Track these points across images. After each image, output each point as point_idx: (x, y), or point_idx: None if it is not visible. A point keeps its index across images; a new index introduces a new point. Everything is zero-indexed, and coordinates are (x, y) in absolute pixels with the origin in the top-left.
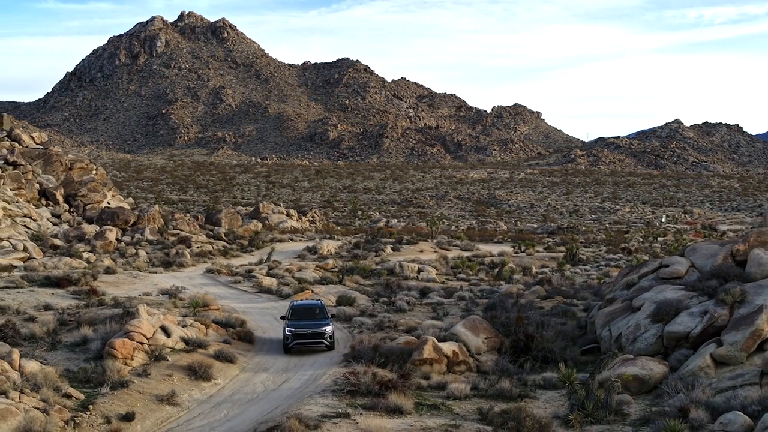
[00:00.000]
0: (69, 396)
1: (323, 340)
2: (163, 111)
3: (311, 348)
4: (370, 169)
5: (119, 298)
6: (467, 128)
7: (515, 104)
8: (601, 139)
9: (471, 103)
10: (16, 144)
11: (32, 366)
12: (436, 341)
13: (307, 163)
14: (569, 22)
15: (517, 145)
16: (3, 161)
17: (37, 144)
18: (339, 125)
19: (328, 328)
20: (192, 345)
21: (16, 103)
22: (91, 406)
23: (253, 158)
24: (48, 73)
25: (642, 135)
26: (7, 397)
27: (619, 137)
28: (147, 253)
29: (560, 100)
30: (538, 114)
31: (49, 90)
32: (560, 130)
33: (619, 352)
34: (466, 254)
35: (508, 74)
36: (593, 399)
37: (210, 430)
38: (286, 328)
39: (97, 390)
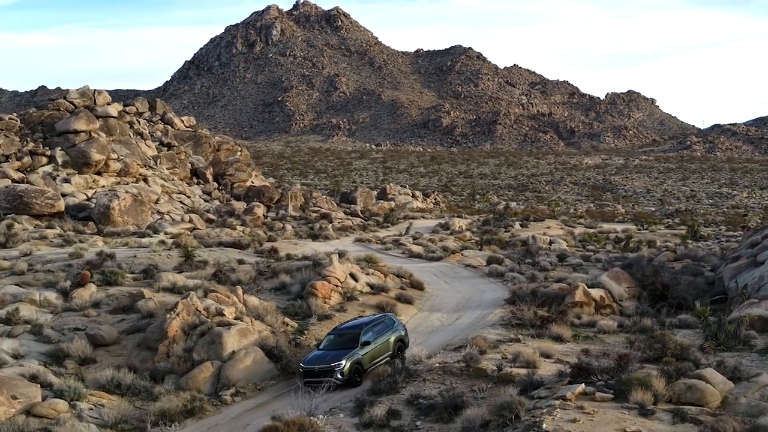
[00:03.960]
0: (286, 324)
1: (331, 378)
2: (279, 98)
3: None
4: (484, 155)
5: (298, 255)
6: (580, 115)
7: (629, 91)
8: (717, 125)
9: (584, 89)
10: (169, 127)
11: (253, 300)
12: (585, 287)
13: (421, 149)
14: (683, 6)
15: (631, 132)
16: (158, 143)
17: (187, 127)
18: (452, 112)
19: (343, 363)
20: (376, 289)
21: (137, 91)
22: (305, 332)
23: (368, 144)
24: (164, 62)
25: (760, 122)
26: (243, 321)
27: (735, 124)
28: (293, 227)
29: (675, 86)
30: (653, 101)
31: (168, 78)
32: (675, 117)
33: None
34: (591, 231)
35: (621, 60)
36: (724, 332)
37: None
38: (301, 363)
39: (306, 321)
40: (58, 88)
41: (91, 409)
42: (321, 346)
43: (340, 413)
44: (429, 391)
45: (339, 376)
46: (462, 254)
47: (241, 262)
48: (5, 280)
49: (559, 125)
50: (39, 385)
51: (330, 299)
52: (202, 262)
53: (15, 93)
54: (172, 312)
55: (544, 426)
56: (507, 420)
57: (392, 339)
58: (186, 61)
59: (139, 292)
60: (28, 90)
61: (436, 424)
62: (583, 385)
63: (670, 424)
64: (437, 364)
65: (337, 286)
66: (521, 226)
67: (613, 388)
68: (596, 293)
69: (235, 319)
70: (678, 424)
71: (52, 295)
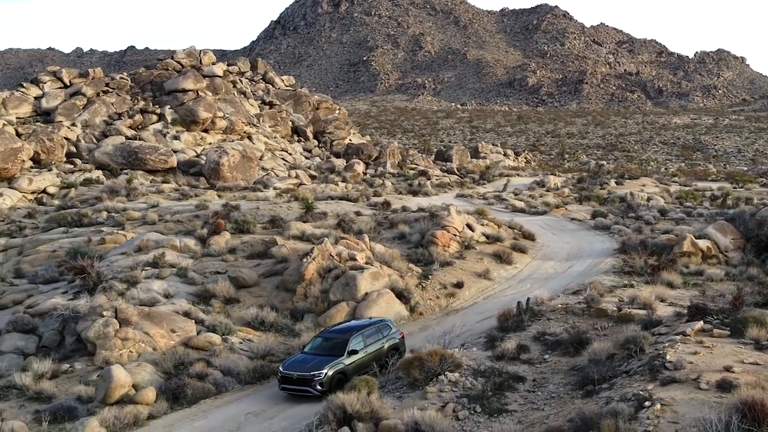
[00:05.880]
0: (411, 269)
1: (309, 388)
2: (364, 58)
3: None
4: (571, 114)
5: (413, 207)
6: (668, 74)
7: (718, 49)
8: None
9: (672, 48)
10: (270, 86)
11: (379, 247)
12: (693, 237)
13: (507, 108)
14: None
15: (720, 92)
16: (260, 101)
17: (287, 86)
18: (538, 71)
19: (323, 372)
20: (491, 239)
21: (223, 51)
22: (430, 277)
23: (453, 104)
24: (250, 22)
25: None
26: (373, 266)
27: None
28: (392, 183)
29: (766, 44)
30: (743, 59)
31: (254, 38)
32: (766, 76)
33: None
34: (686, 188)
35: (710, 18)
36: None
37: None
38: (281, 366)
39: (429, 267)
40: (147, 49)
41: (241, 343)
42: (306, 349)
43: (473, 347)
44: (554, 329)
45: (318, 387)
46: (566, 208)
47: (358, 213)
48: (139, 229)
49: (647, 84)
50: (193, 321)
51: (449, 247)
52: (322, 213)
53: (104, 53)
54: (308, 257)
55: (667, 357)
56: (632, 352)
57: (386, 347)
58: (272, 21)
59: (272, 240)
60: (117, 50)
61: (563, 357)
62: (701, 322)
63: None
64: (559, 305)
65: (455, 235)
66: (616, 183)
67: (729, 326)
68: (703, 244)
69: (366, 263)
70: None
71: (191, 242)
